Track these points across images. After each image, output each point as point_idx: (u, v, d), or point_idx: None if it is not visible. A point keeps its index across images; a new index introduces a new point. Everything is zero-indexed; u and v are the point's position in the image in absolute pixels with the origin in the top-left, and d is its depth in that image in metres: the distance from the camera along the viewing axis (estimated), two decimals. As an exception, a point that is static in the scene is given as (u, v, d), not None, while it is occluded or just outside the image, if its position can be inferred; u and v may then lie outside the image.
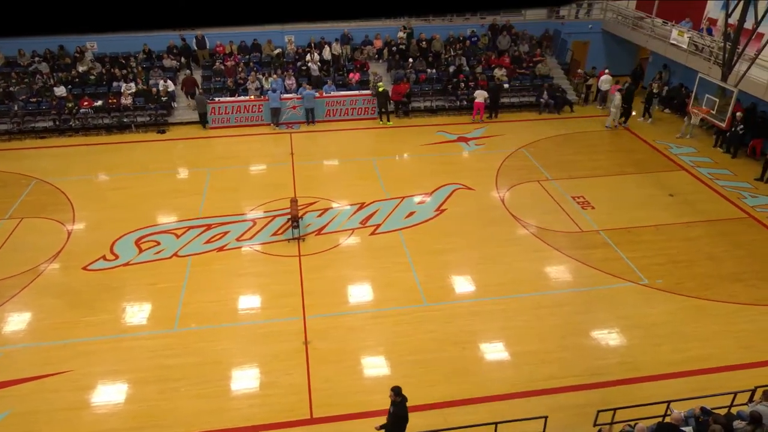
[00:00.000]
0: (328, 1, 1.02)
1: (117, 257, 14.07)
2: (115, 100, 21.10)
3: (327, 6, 1.02)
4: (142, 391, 10.43)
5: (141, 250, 14.31)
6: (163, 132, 21.27)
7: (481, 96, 21.73)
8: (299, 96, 21.47)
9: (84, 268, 13.66)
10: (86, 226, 15.47)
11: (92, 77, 21.88)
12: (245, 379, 10.73)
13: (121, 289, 13.00)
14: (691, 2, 22.39)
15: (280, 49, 23.55)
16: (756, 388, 9.64)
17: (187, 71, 22.83)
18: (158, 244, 14.57)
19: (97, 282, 13.20)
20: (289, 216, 14.85)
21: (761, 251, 14.39)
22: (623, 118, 21.56)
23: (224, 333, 11.78)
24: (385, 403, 10.03)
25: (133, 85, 21.63)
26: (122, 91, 21.25)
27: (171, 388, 10.48)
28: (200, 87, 21.94)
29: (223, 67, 22.59)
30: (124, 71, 22.04)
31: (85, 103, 20.92)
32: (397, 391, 8.80)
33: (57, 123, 20.80)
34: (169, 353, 11.24)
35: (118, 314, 12.26)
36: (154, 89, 21.49)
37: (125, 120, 21.15)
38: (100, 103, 21.10)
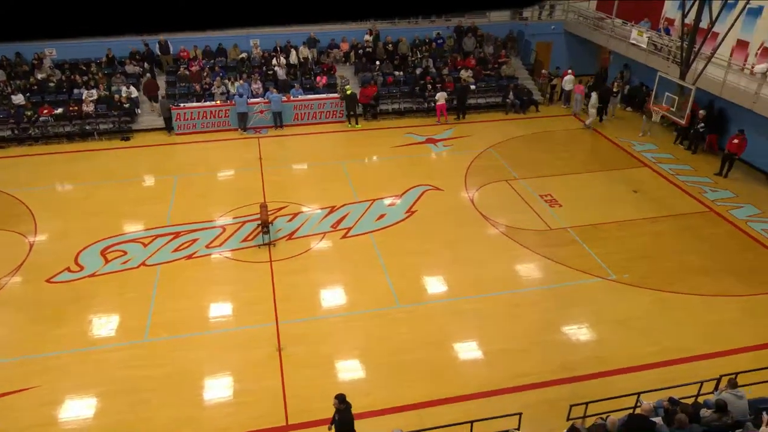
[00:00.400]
0: (299, 5, 1.01)
1: (82, 268, 13.74)
2: (76, 108, 20.60)
3: (299, 9, 1.01)
4: (113, 404, 10.19)
5: (107, 261, 14.00)
6: (127, 139, 20.85)
7: (442, 98, 21.90)
8: (266, 100, 21.30)
9: (48, 281, 13.30)
10: (49, 238, 15.07)
11: (52, 84, 21.34)
12: (218, 388, 10.57)
13: (87, 300, 12.69)
14: (649, 3, 22.94)
15: (246, 53, 23.35)
16: (721, 376, 9.88)
17: (148, 75, 22.41)
18: (125, 253, 14.27)
19: (62, 294, 12.86)
20: (259, 221, 14.71)
21: (723, 244, 14.82)
22: (599, 117, 21.99)
23: (196, 342, 11.59)
24: (359, 406, 10.03)
25: (94, 91, 21.15)
26: (83, 98, 20.78)
27: (142, 399, 10.26)
28: (164, 92, 21.59)
29: (187, 73, 22.28)
30: (85, 78, 21.54)
31: (45, 111, 20.39)
32: (341, 399, 8.79)
33: (15, 132, 20.22)
34: (139, 364, 11.01)
35: (85, 326, 11.96)
36: (117, 96, 21.05)
37: (87, 128, 20.66)
38: (60, 110, 20.59)
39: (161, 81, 22.61)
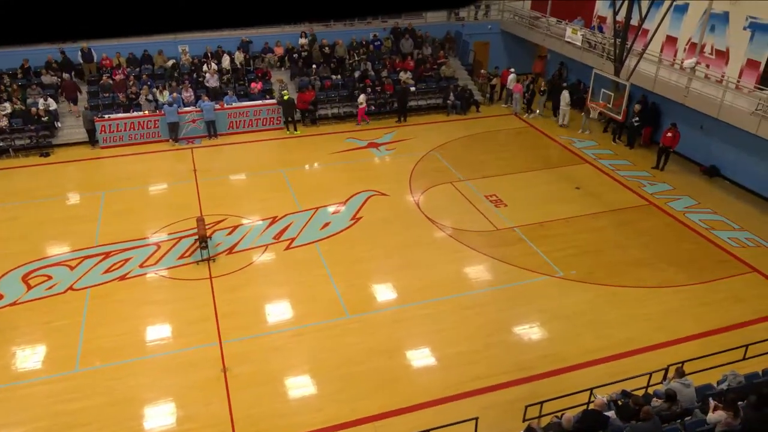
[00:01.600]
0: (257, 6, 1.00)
1: (1, 297, 12.65)
2: (-14, 123, 19.10)
3: (234, 13, 0.99)
4: (43, 442, 9.39)
5: (30, 287, 12.95)
6: (47, 155, 19.48)
7: (364, 100, 21.69)
8: (198, 109, 20.46)
9: (-37, 312, 12.19)
10: (-37, 265, 13.86)
11: (-42, 98, 19.72)
12: (161, 416, 9.95)
13: (9, 331, 11.69)
14: (582, 1, 23.48)
15: (174, 60, 22.37)
16: (669, 366, 10.07)
17: (66, 75, 21.07)
18: (50, 278, 13.25)
19: (-21, 326, 11.80)
20: (197, 236, 14.01)
21: (663, 235, 15.17)
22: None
23: (134, 368, 10.89)
24: (312, 423, 9.64)
25: (8, 104, 19.65)
26: (-5, 112, 19.29)
27: (77, 435, 9.49)
28: (87, 103, 20.38)
29: (111, 82, 21.12)
30: (-3, 90, 19.99)
31: (-48, 127, 18.84)
32: None
33: None
34: (71, 397, 10.24)
35: (7, 360, 11.03)
36: (34, 109, 19.65)
37: (1, 144, 19.18)
38: (-31, 126, 19.05)
39: (83, 91, 21.34)
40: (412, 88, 23.01)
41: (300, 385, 10.61)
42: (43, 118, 19.55)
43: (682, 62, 17.84)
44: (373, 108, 22.42)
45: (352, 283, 13.19)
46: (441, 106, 23.34)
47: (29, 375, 10.72)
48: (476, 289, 13.17)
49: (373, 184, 17.51)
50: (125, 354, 11.17)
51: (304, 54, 23.33)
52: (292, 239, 14.80)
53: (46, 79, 20.84)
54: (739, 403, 8.18)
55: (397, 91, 22.27)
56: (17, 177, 18.14)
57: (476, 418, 9.06)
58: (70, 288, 12.96)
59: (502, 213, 16.11)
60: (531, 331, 11.96)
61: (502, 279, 13.45)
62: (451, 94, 23.07)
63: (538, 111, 22.95)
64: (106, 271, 13.50)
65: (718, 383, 9.61)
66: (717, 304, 12.68)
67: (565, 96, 21.64)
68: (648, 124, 19.80)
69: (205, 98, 20.58)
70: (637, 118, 19.57)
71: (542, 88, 23.07)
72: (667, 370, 10.12)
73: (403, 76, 23.22)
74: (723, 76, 16.82)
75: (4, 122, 19.20)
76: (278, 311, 12.45)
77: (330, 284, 13.12)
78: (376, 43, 24.37)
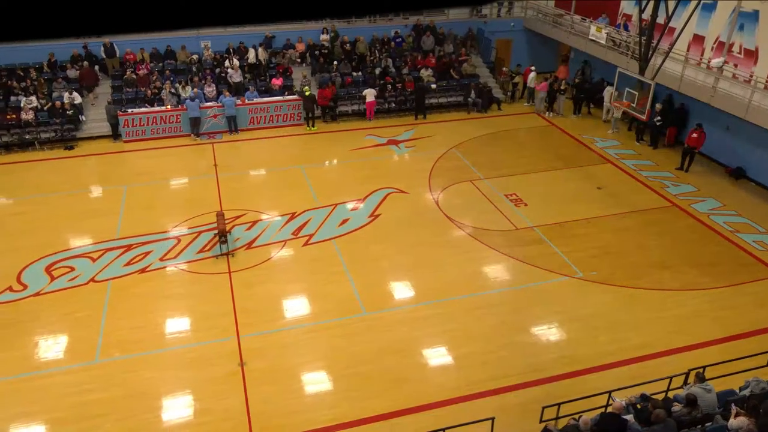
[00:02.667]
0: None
1: (25, 287, 12.88)
2: (14, 116, 19.44)
3: (256, 9, 1.00)
4: (61, 431, 9.50)
5: (53, 278, 13.17)
6: (72, 148, 19.81)
7: (370, 95, 21.61)
8: (220, 104, 20.60)
9: (-13, 302, 12.44)
10: (-12, 255, 14.14)
11: (-14, 91, 20.11)
12: (177, 409, 10.02)
13: (32, 322, 11.89)
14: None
15: (197, 55, 22.56)
16: (689, 370, 9.87)
17: (85, 62, 21.33)
18: (72, 269, 13.46)
19: (3, 316, 12.02)
20: (216, 231, 14.11)
21: (685, 238, 14.90)
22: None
23: (152, 360, 10.99)
24: (326, 420, 9.66)
25: (34, 98, 20.01)
26: (22, 105, 19.64)
27: (93, 425, 9.64)
28: (110, 97, 20.64)
29: (134, 77, 21.37)
30: (23, 84, 20.34)
31: (-21, 120, 19.21)
32: None
33: (-53, 143, 19.01)
34: (90, 388, 10.36)
35: (29, 350, 11.19)
36: (59, 102, 19.99)
37: (27, 137, 19.51)
38: (-5, 119, 19.41)
39: (106, 85, 21.65)
40: (433, 86, 22.90)
41: (314, 382, 10.62)
42: (68, 112, 19.88)
43: (709, 61, 17.47)
44: (393, 105, 22.36)
45: (369, 280, 13.17)
46: (462, 103, 23.19)
47: (50, 365, 10.87)
48: (494, 289, 13.07)
49: (392, 182, 17.47)
50: (144, 346, 11.28)
51: (324, 50, 23.35)
52: (311, 235, 14.83)
53: (71, 73, 21.19)
54: (761, 410, 8.02)
55: (417, 89, 22.17)
56: (42, 169, 18.46)
57: (492, 418, 8.99)
58: (92, 280, 13.14)
59: (522, 212, 15.96)
60: (548, 332, 11.83)
61: (521, 279, 13.32)
62: (473, 91, 22.90)
63: (558, 110, 22.69)
64: (127, 264, 13.67)
65: (741, 389, 9.42)
66: (740, 308, 12.42)
67: (608, 90, 21.39)
68: (672, 124, 19.45)
69: (227, 94, 20.71)
70: (659, 118, 19.23)
71: (562, 88, 22.80)
72: (687, 374, 9.94)
73: (424, 73, 23.11)
74: (752, 76, 16.42)
75: (30, 115, 19.57)
76: (295, 307, 12.47)
77: (347, 281, 13.12)
78: (397, 40, 24.29)
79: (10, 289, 12.82)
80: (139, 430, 9.57)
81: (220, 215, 14.35)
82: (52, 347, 11.29)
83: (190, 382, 10.51)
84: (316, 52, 23.28)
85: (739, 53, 17.37)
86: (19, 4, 0.90)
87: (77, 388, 10.34)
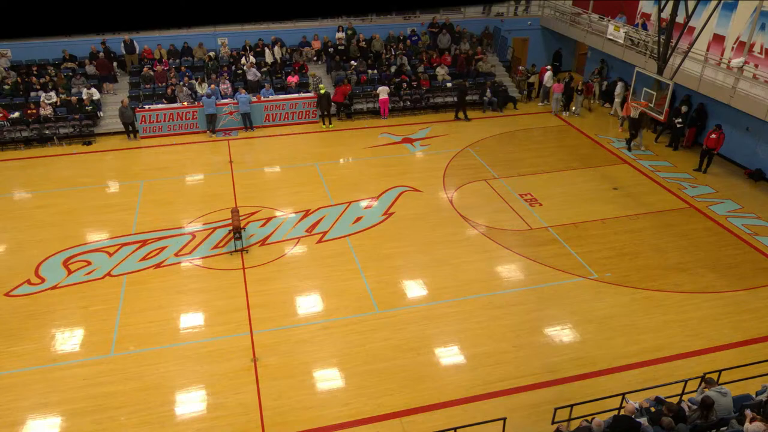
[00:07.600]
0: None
1: (43, 280, 13.06)
2: (34, 111, 19.71)
3: (272, 7, 1.01)
4: (76, 423, 9.65)
5: (70, 272, 13.34)
6: (89, 143, 20.03)
7: (384, 92, 21.55)
8: (235, 101, 20.71)
9: (6, 294, 12.61)
10: (6, 249, 14.33)
11: (7, 87, 20.37)
12: (191, 402, 10.10)
13: (49, 314, 12.06)
14: (625, -1, 22.94)
15: (213, 52, 22.69)
16: (705, 374, 9.76)
17: (100, 53, 21.55)
18: (89, 264, 13.62)
19: (21, 308, 12.20)
20: (231, 227, 14.20)
21: (703, 240, 14.72)
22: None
23: (166, 354, 11.09)
24: (338, 416, 9.68)
25: (53, 94, 20.25)
26: (41, 100, 19.89)
27: (109, 417, 9.76)
28: (127, 98, 20.81)
29: (152, 73, 21.55)
30: (43, 80, 20.60)
31: (0, 116, 19.47)
32: None
33: (-31, 138, 19.30)
34: (105, 380, 10.48)
35: (46, 342, 11.35)
36: (75, 98, 20.21)
37: (46, 132, 19.77)
38: (17, 114, 19.62)
39: (124, 81, 21.85)
40: (448, 84, 22.83)
41: (327, 379, 10.65)
42: (86, 107, 20.10)
43: (729, 61, 17.24)
44: (408, 103, 22.33)
45: (383, 278, 13.18)
46: (477, 102, 23.09)
47: (66, 357, 11.01)
48: (507, 289, 13.01)
49: (407, 180, 17.46)
50: (158, 340, 11.39)
51: (340, 48, 23.37)
52: (324, 233, 14.87)
53: (90, 69, 21.41)
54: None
55: (455, 87, 22.15)
56: (61, 164, 18.70)
57: (504, 419, 8.96)
58: (108, 274, 13.29)
59: (537, 212, 15.87)
60: (561, 333, 11.76)
61: (535, 279, 13.25)
62: (488, 90, 22.79)
63: (574, 109, 22.54)
64: (143, 259, 13.80)
65: (757, 394, 9.32)
66: (758, 312, 12.26)
67: (619, 86, 21.36)
68: (692, 126, 19.21)
69: (242, 91, 20.81)
70: (679, 120, 19.01)
71: (579, 88, 22.63)
72: (703, 378, 9.83)
73: (440, 71, 23.04)
74: (772, 77, 16.20)
75: (49, 111, 19.81)
76: (308, 304, 12.52)
77: (360, 279, 13.14)
78: (413, 38, 24.25)
79: (29, 282, 13.00)
80: (153, 422, 9.67)
81: (234, 211, 14.44)
82: (68, 340, 11.43)
83: (205, 377, 10.59)
84: (331, 50, 23.31)
85: (760, 53, 17.13)
86: (37, 2, 0.92)
87: (93, 380, 10.48)
